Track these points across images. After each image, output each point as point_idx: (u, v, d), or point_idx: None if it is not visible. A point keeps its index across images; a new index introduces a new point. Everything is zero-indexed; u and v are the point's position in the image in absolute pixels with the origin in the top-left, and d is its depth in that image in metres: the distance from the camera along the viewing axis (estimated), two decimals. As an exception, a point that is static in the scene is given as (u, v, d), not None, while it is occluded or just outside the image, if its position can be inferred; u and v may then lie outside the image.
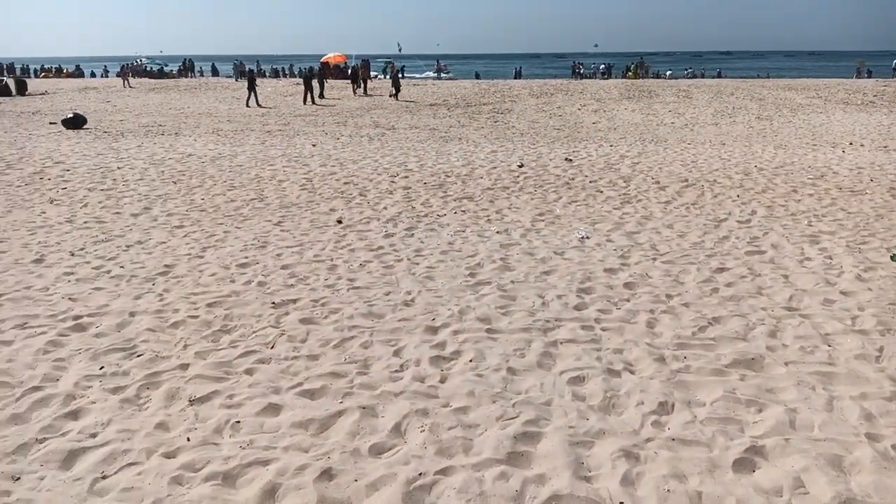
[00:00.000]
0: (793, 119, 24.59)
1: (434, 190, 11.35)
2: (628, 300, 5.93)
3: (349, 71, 40.11)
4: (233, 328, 5.48)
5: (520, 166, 13.99)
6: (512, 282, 6.54)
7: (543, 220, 9.09)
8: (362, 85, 36.21)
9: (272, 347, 5.09)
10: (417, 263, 7.25)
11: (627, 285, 6.32)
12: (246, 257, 7.51)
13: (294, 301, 6.06)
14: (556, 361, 4.84)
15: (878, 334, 5.12)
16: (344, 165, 13.93)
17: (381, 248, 7.87)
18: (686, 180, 12.09)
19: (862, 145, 17.49)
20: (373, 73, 46.14)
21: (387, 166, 13.84)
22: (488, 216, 9.45)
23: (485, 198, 10.70)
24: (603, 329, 5.38)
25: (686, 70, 58.85)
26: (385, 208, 10.01)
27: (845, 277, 6.26)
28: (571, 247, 7.70)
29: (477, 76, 58.57)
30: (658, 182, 11.97)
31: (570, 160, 14.77)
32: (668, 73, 54.84)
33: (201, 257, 7.55)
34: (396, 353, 5.02)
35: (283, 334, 5.33)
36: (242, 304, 6.01)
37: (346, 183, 12.00)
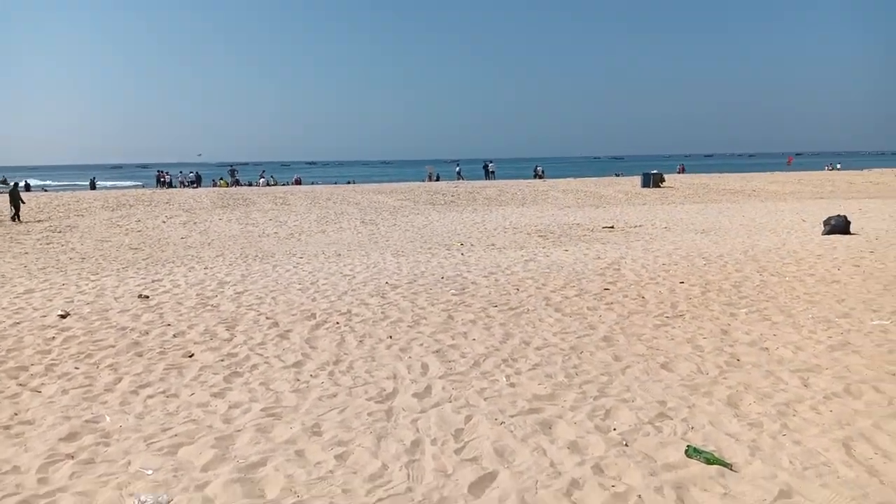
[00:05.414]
0: (395, 222, 23.97)
1: None
2: None
3: None
4: None
5: (62, 316, 8.97)
6: None
7: (73, 453, 4.52)
8: None
9: None
10: None
11: None
12: None
13: None
14: None
15: None
16: None
17: None
18: (314, 315, 8.73)
19: (472, 245, 16.83)
20: None
21: None
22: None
23: (-34, 403, 5.57)
24: None
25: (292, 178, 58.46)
26: None
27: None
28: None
29: (27, 187, 46.53)
30: (276, 323, 8.34)
31: (147, 296, 10.27)
32: (261, 180, 53.05)
33: None
34: None
35: None
36: None
37: None
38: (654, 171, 43.11)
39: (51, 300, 10.14)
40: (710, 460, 4.11)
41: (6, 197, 28.07)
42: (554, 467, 4.11)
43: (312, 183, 56.62)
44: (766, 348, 6.69)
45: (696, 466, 4.07)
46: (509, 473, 4.03)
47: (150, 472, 4.14)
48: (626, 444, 4.43)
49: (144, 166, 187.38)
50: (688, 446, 4.29)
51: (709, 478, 3.91)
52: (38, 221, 25.57)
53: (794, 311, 8.31)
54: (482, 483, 3.94)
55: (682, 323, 7.86)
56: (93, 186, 51.84)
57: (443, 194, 36.89)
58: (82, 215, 27.83)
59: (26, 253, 17.24)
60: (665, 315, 8.28)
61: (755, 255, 13.14)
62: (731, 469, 4.04)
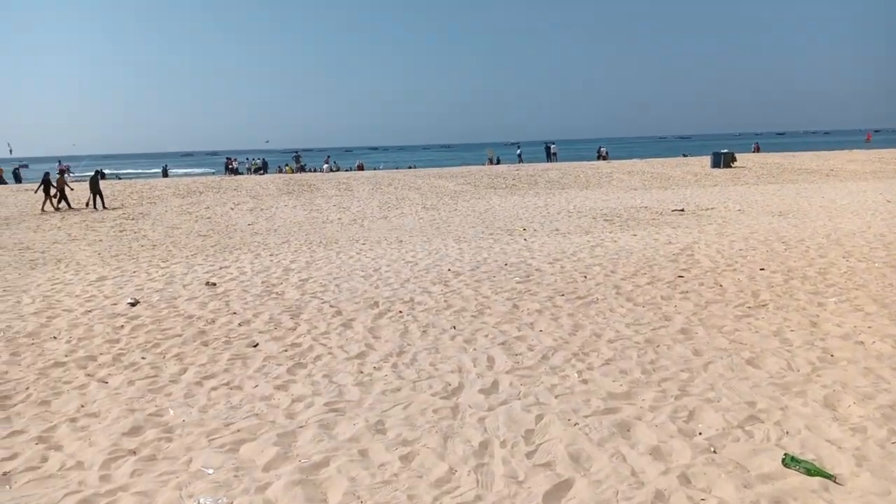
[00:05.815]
0: (456, 207, 23.71)
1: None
2: None
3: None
4: None
5: (132, 304, 9.13)
6: None
7: (136, 449, 4.49)
8: (56, 196, 26.17)
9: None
10: None
11: None
12: None
13: None
14: None
15: None
16: None
17: None
18: (376, 304, 8.60)
19: (535, 230, 16.40)
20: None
21: None
22: None
23: (33, 397, 5.65)
24: None
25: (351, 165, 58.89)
26: None
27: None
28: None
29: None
30: (340, 312, 8.24)
31: (214, 284, 10.37)
32: (325, 166, 53.65)
33: None
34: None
35: None
36: None
37: None
38: (725, 151, 41.36)
39: (121, 288, 10.35)
40: (811, 471, 3.72)
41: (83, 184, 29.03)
42: (635, 476, 3.81)
43: (374, 168, 56.95)
44: (862, 342, 6.16)
45: (796, 478, 3.69)
46: (586, 482, 3.75)
47: (210, 471, 4.05)
48: (715, 451, 4.08)
49: (214, 153, 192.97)
50: (785, 454, 3.91)
51: (811, 491, 3.53)
52: (113, 209, 26.46)
53: (889, 301, 7.67)
54: (557, 492, 3.68)
55: (766, 314, 7.35)
56: (165, 174, 53.55)
57: (504, 178, 36.39)
58: (154, 203, 28.64)
59: (100, 240, 17.78)
60: (746, 305, 7.78)
61: (839, 239, 12.33)
62: (835, 482, 3.65)
